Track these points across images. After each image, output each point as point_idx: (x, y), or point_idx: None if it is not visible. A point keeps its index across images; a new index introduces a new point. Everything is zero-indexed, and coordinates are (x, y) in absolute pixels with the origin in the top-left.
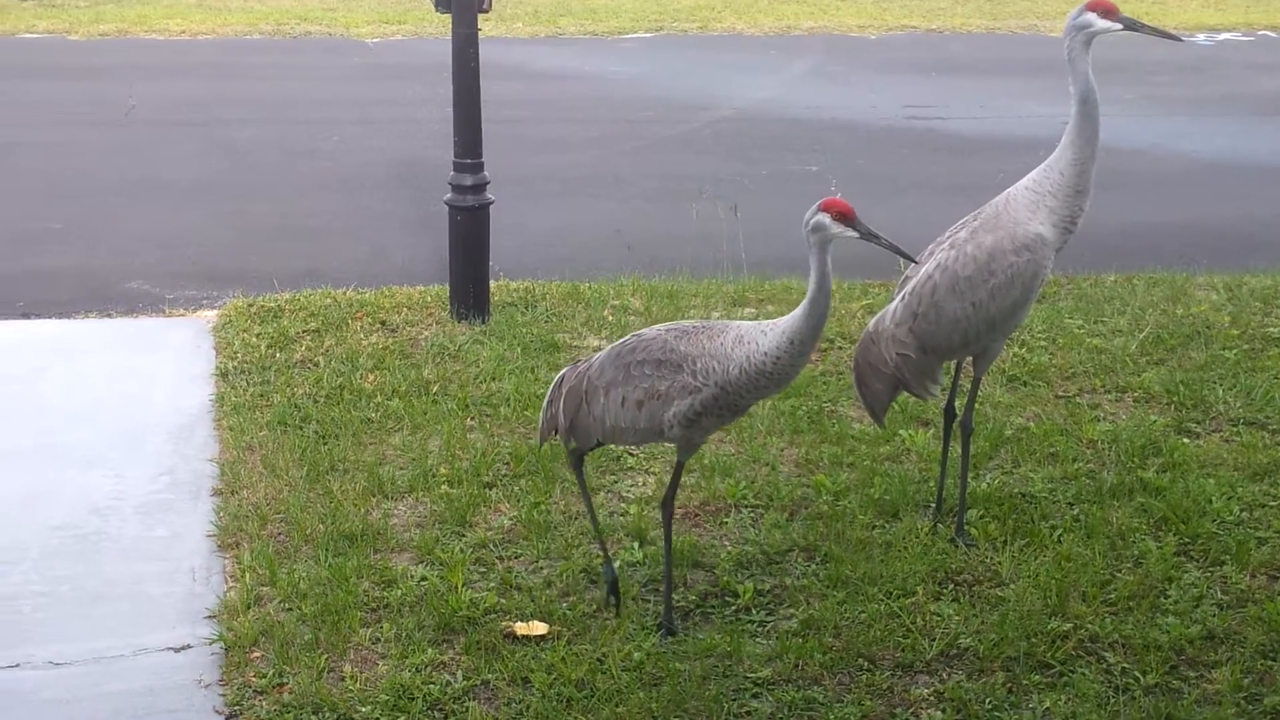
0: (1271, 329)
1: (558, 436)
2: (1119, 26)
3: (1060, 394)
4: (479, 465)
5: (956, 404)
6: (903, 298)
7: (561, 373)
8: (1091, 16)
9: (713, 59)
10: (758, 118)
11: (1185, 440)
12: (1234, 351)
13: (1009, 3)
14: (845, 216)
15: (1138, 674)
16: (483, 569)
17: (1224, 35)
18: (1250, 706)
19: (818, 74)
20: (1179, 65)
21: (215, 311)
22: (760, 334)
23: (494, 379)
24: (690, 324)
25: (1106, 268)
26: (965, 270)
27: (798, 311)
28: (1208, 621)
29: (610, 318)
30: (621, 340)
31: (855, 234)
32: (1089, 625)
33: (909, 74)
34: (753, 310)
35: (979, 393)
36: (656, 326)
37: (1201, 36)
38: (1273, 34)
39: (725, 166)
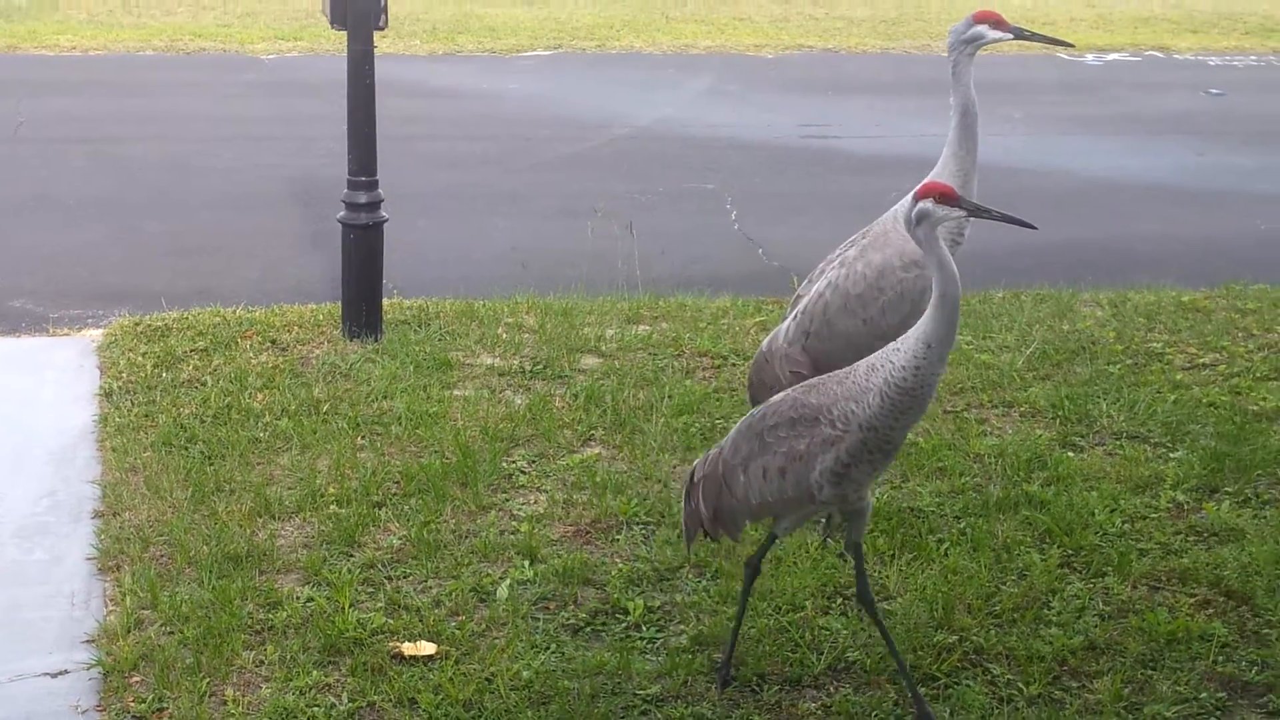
0: (1154, 344)
1: (705, 536)
2: (1010, 36)
3: (948, 409)
4: (368, 484)
5: None
6: (795, 316)
7: (693, 465)
8: (982, 28)
9: (611, 77)
10: (655, 136)
11: (1070, 454)
12: (1118, 366)
13: (903, 24)
14: (948, 197)
15: (1021, 685)
16: (370, 589)
17: (1112, 55)
18: (1130, 716)
19: (715, 93)
20: (1067, 85)
21: (101, 331)
22: (894, 353)
23: (386, 397)
24: (816, 379)
25: (995, 285)
26: (856, 288)
27: (928, 313)
28: (1090, 632)
29: (504, 335)
30: (749, 413)
31: (963, 212)
32: (974, 637)
33: (805, 93)
34: (647, 328)
35: None
36: (785, 391)
37: (1090, 57)
38: (1159, 54)
39: (622, 185)
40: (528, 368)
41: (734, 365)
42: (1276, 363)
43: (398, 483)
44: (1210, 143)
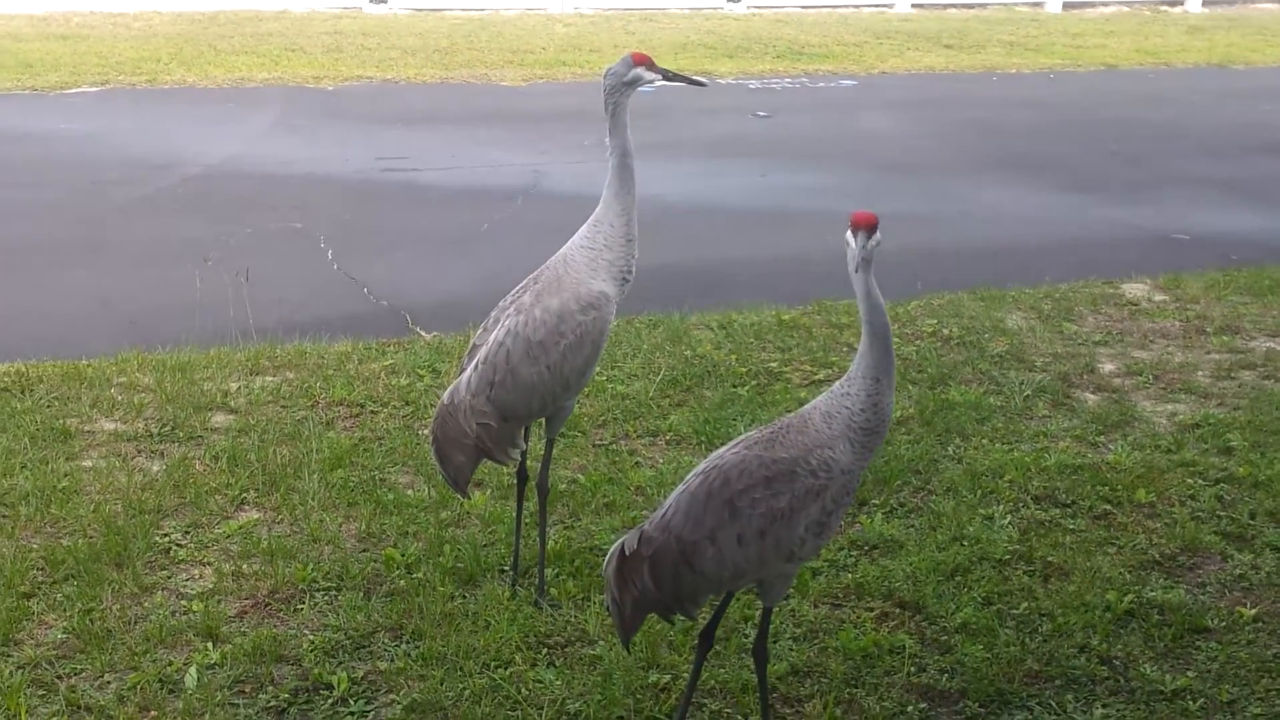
0: (770, 363)
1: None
2: (659, 78)
3: (598, 442)
4: (11, 574)
5: (528, 466)
6: (475, 366)
7: (611, 550)
8: (641, 70)
9: (169, 113)
10: (229, 174)
11: None
12: (744, 388)
13: (457, 53)
14: (864, 230)
15: (740, 717)
16: (43, 691)
17: (660, 82)
18: None
19: (282, 127)
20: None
21: None
22: (843, 397)
23: (5, 475)
24: (757, 433)
25: None
26: (537, 335)
27: (862, 347)
28: (789, 657)
29: (120, 397)
30: (688, 486)
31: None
32: (684, 674)
33: (374, 125)
34: (273, 379)
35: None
36: (720, 454)
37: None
38: (704, 79)
39: (206, 228)
40: (155, 430)
41: (373, 413)
42: None
43: (43, 569)
44: (769, 164)
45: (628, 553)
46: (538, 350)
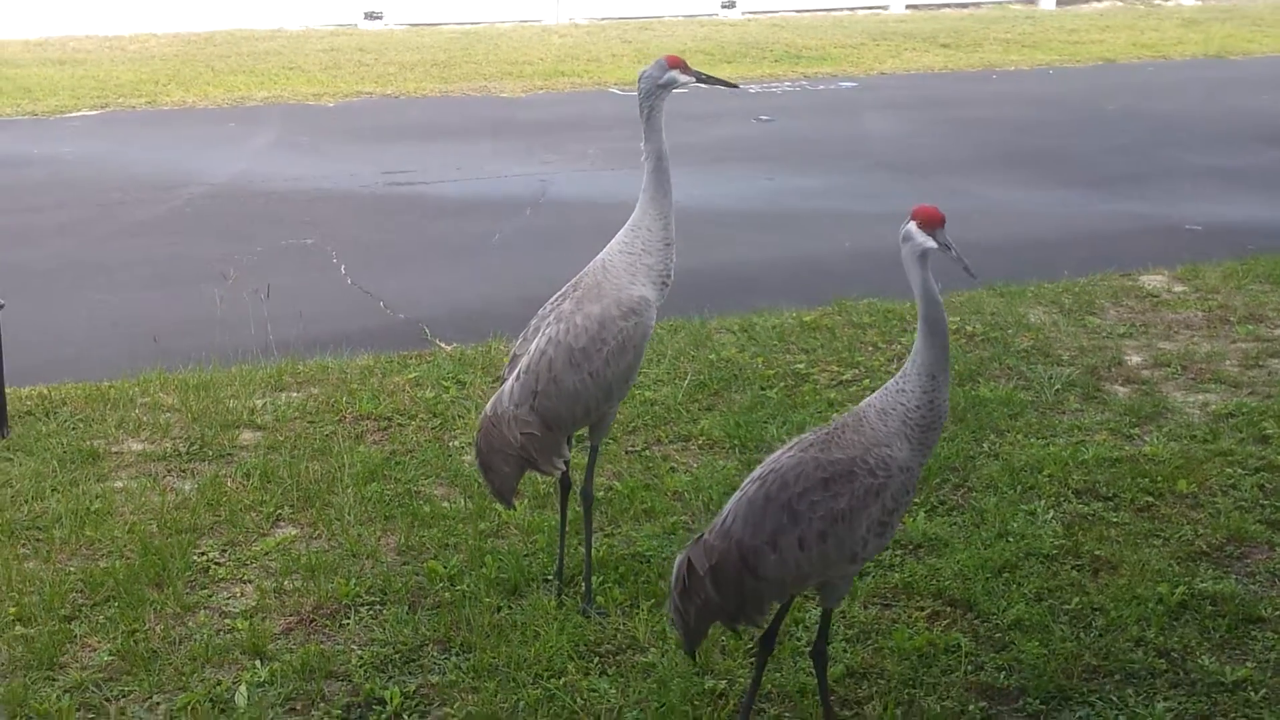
0: (797, 365)
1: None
2: (693, 80)
3: (629, 449)
4: (50, 597)
5: (572, 474)
6: (518, 376)
7: (678, 559)
8: (675, 73)
9: (171, 134)
10: (236, 193)
11: None
12: (773, 390)
13: (455, 66)
14: (929, 225)
15: None
16: (92, 714)
17: (695, 84)
18: None
19: (286, 144)
20: (625, 120)
21: None
22: (898, 393)
23: (36, 498)
24: (812, 434)
25: None
26: (579, 342)
27: (918, 343)
28: (843, 659)
29: (145, 418)
30: (745, 491)
31: (936, 245)
32: (740, 679)
33: (377, 140)
34: (297, 394)
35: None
36: (776, 457)
37: (616, 89)
38: (703, 85)
39: (218, 246)
40: (183, 449)
41: (400, 426)
42: None
43: (82, 591)
44: (774, 167)
45: (695, 564)
46: (580, 357)
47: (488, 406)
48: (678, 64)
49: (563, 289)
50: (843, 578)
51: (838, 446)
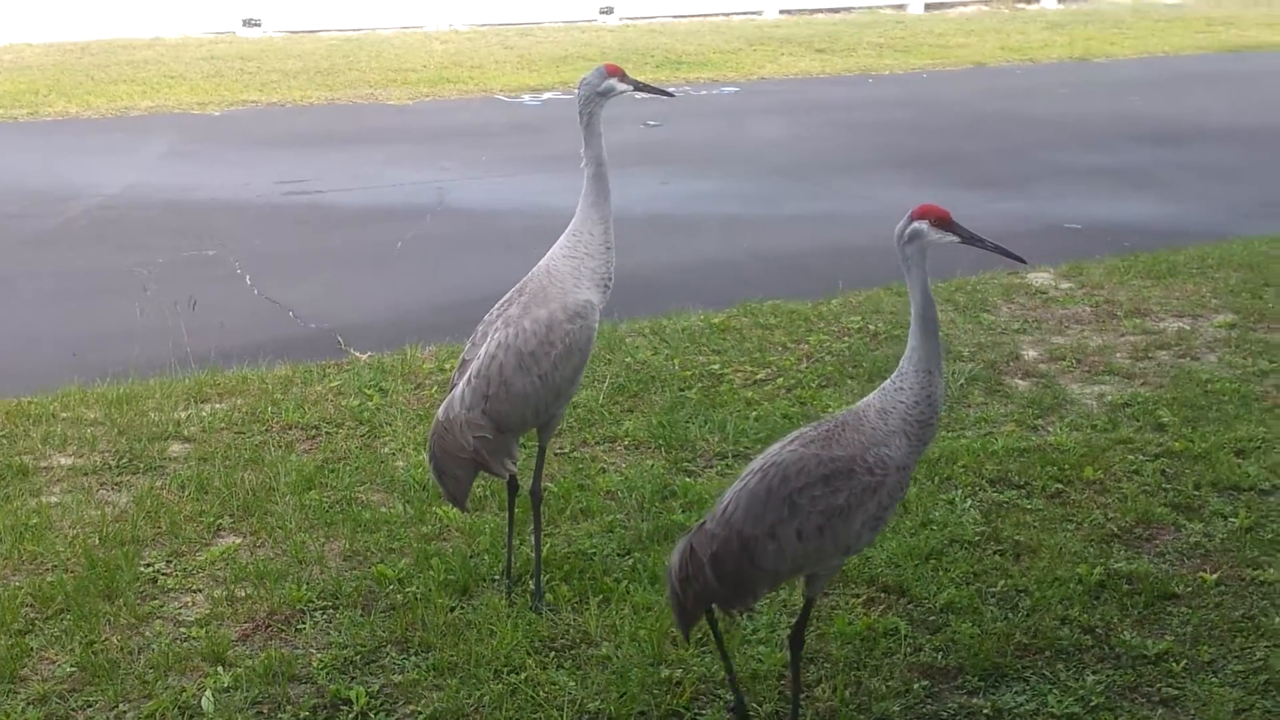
0: (712, 365)
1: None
2: (630, 88)
3: (558, 451)
4: (2, 613)
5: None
6: (468, 380)
7: (680, 545)
8: (614, 80)
9: (56, 145)
10: (132, 204)
11: (689, 479)
12: (692, 390)
13: (339, 74)
14: (944, 222)
15: (756, 705)
16: None
17: (546, 95)
18: (862, 716)
19: (176, 154)
20: (516, 126)
21: None
22: (896, 392)
23: None
24: (812, 430)
25: None
26: (528, 346)
27: (913, 341)
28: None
29: (69, 432)
30: (745, 482)
31: (956, 239)
32: (695, 667)
33: (268, 149)
34: (221, 405)
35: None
36: (776, 450)
37: (527, 97)
38: None
39: (117, 259)
40: (113, 463)
41: (329, 434)
42: (821, 370)
43: (33, 605)
44: (667, 172)
45: (697, 550)
46: (529, 361)
47: (439, 411)
48: (616, 72)
49: (508, 294)
50: (830, 569)
51: (838, 444)
